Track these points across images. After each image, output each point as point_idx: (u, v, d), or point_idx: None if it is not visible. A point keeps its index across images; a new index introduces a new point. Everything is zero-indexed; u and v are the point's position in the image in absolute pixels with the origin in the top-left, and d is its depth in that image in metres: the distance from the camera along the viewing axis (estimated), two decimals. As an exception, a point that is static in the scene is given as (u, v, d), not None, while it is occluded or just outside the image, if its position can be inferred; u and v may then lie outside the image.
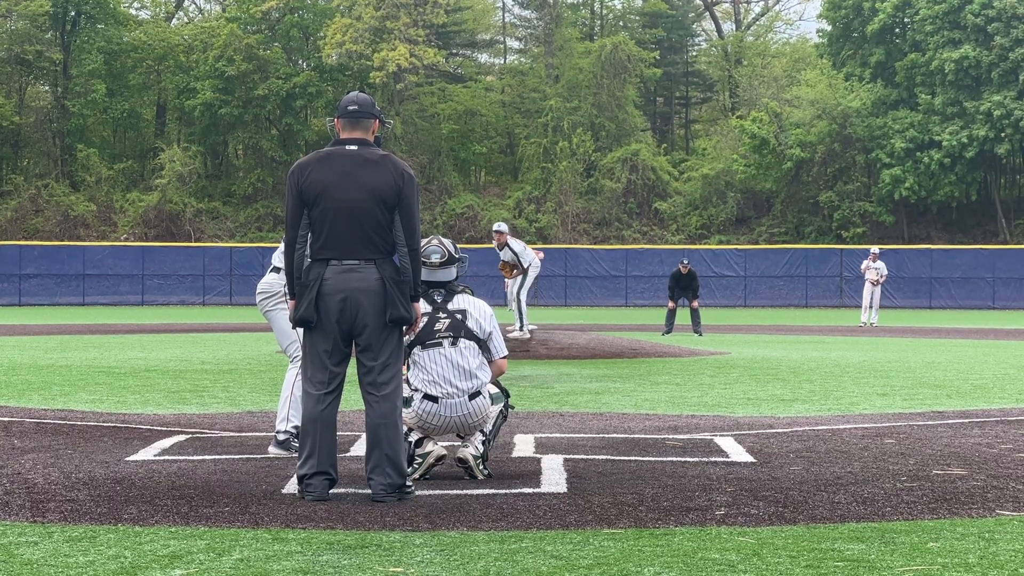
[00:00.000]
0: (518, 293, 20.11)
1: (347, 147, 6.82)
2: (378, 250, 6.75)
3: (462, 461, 7.45)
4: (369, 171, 6.74)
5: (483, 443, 7.58)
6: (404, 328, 6.93)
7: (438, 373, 7.45)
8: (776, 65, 69.06)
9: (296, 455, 8.32)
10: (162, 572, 4.98)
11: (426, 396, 7.41)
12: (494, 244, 20.54)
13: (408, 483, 6.77)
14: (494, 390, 7.68)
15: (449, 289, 7.65)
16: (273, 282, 8.60)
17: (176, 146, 63.57)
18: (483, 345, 7.60)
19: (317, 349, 6.80)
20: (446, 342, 7.47)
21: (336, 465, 6.82)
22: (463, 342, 7.50)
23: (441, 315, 7.54)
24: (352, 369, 6.86)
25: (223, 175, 65.69)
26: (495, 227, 20.61)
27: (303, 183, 6.76)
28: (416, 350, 7.48)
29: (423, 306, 7.50)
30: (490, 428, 7.65)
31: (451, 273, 7.63)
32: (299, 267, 6.81)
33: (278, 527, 5.90)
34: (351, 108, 6.84)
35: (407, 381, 7.53)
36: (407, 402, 7.39)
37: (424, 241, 7.51)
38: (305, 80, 62.84)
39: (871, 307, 33.53)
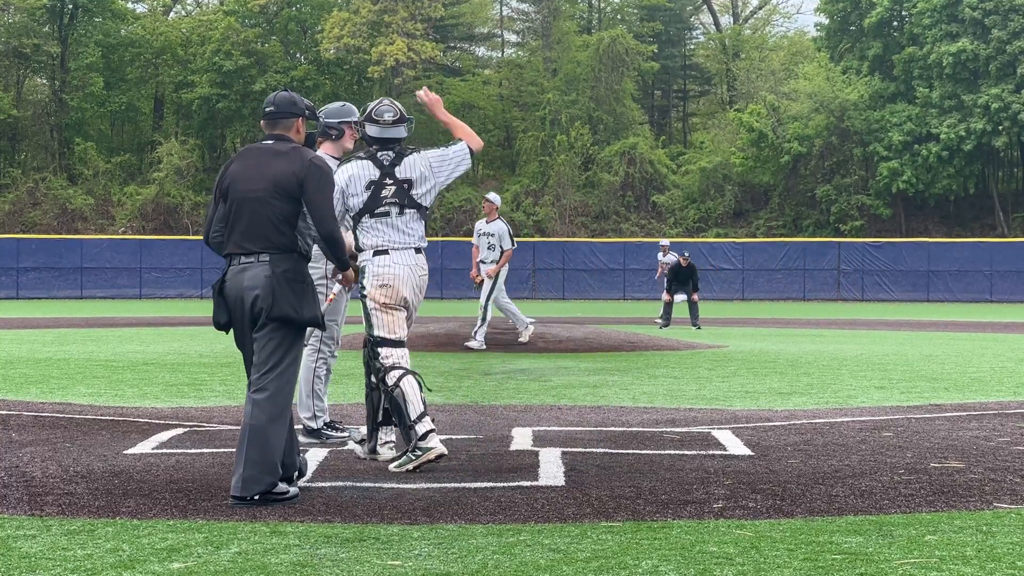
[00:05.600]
0: (487, 301, 18.47)
1: (263, 143, 6.87)
2: (274, 245, 6.57)
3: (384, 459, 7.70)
4: (275, 162, 6.66)
5: (400, 432, 7.64)
6: (338, 283, 7.17)
7: (386, 236, 7.77)
8: (774, 58, 69.06)
9: (328, 442, 8.62)
10: (160, 565, 4.98)
11: (376, 252, 7.72)
12: (483, 215, 18.74)
13: (283, 488, 6.43)
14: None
15: (398, 152, 7.89)
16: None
17: (174, 139, 63.52)
18: (429, 206, 7.89)
19: (242, 350, 6.80)
20: (393, 211, 7.79)
21: (287, 464, 6.59)
22: (408, 211, 7.82)
23: (388, 182, 7.80)
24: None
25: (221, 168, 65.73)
26: (490, 196, 18.57)
27: (220, 177, 6.83)
28: (365, 218, 7.78)
29: (371, 170, 7.77)
30: (388, 413, 7.71)
31: (402, 131, 7.95)
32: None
33: (276, 520, 5.90)
34: (268, 109, 6.87)
35: (359, 246, 7.78)
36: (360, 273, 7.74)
37: (375, 103, 7.95)
38: (303, 74, 62.80)
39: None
